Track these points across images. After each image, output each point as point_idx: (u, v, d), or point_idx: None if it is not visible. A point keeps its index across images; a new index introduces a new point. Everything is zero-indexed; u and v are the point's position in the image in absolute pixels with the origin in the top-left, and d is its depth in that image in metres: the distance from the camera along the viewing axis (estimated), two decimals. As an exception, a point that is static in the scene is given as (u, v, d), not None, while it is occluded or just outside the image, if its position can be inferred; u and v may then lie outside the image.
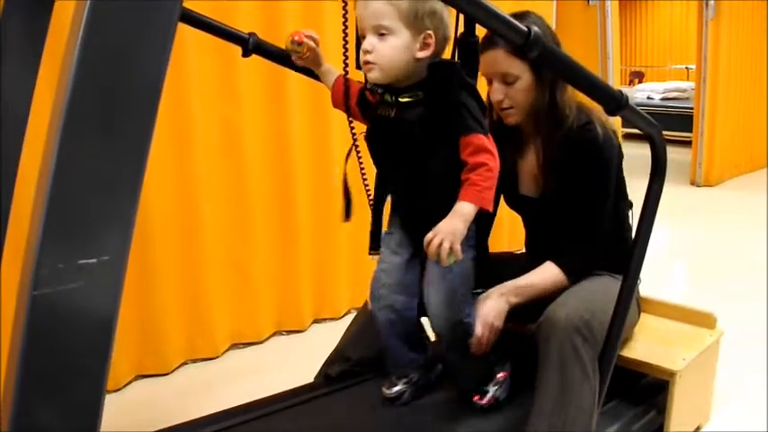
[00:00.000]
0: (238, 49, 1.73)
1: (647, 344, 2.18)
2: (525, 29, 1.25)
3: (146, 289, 2.74)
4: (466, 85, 1.61)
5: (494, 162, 1.57)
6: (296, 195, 3.18)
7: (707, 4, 6.44)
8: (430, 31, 1.58)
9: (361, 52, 1.61)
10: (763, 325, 3.24)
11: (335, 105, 1.83)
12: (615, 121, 1.95)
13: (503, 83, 1.91)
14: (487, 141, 1.58)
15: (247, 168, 3.01)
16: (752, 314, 3.39)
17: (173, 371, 2.90)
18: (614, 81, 5.33)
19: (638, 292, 2.15)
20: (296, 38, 1.72)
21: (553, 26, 4.49)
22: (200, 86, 2.80)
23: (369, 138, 1.73)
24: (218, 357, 3.03)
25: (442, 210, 1.55)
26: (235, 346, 3.14)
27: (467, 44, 1.63)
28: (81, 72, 0.75)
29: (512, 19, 1.24)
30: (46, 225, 0.74)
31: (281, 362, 3.01)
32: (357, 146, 1.73)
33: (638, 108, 1.63)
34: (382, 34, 1.57)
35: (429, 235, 1.52)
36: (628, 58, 14.00)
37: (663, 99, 10.03)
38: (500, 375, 1.92)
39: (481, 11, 1.17)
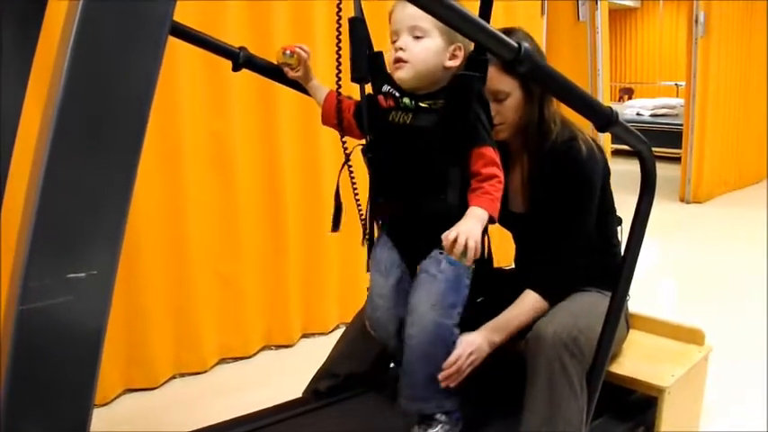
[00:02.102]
0: (228, 63, 1.74)
1: (636, 360, 2.17)
2: (515, 44, 1.26)
3: (134, 302, 2.73)
4: (482, 100, 1.65)
5: (502, 176, 1.63)
6: (285, 209, 3.17)
7: (697, 22, 6.49)
8: (460, 44, 1.64)
9: (392, 50, 1.65)
10: (752, 341, 3.25)
11: (325, 122, 1.83)
12: (604, 138, 1.96)
13: (494, 100, 1.90)
14: (496, 155, 1.63)
15: (237, 182, 3.00)
16: (741, 330, 3.40)
17: (161, 385, 2.88)
18: (604, 97, 5.36)
19: (627, 309, 2.15)
20: (287, 51, 1.74)
21: (543, 43, 4.55)
22: (190, 100, 2.80)
23: (371, 148, 1.73)
24: (206, 372, 3.02)
25: (442, 219, 1.56)
26: (223, 360, 3.13)
27: (477, 61, 1.64)
28: (70, 85, 0.75)
29: (502, 34, 1.25)
30: (34, 239, 0.74)
31: (269, 376, 3.00)
32: (350, 163, 1.74)
33: (628, 124, 1.64)
34: (417, 36, 1.62)
35: (451, 233, 1.51)
36: (617, 75, 14.09)
37: (652, 115, 10.08)
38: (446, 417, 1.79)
39: (472, 26, 1.18)
